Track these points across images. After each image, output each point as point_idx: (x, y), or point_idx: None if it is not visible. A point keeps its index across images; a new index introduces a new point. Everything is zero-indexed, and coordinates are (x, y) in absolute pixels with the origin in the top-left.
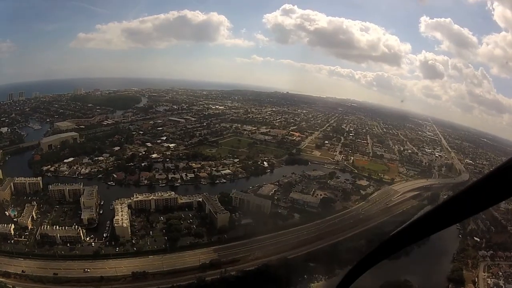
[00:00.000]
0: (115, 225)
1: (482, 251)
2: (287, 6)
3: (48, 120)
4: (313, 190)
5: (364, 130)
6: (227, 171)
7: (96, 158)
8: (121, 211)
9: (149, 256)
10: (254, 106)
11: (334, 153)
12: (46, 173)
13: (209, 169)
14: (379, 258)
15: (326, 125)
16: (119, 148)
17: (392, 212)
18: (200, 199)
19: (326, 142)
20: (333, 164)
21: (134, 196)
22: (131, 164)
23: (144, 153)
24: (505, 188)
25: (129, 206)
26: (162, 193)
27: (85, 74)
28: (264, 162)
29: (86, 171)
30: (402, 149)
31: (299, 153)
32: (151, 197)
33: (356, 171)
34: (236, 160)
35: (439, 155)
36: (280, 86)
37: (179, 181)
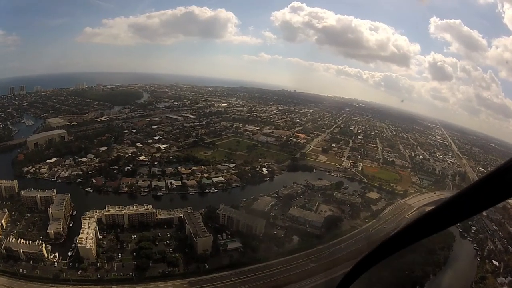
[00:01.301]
0: (79, 245)
1: (501, 278)
2: (295, 3)
3: (42, 115)
4: (317, 204)
5: (373, 133)
6: (220, 178)
7: (79, 159)
8: (88, 227)
9: (112, 286)
10: (259, 104)
11: (342, 158)
12: (26, 175)
13: (199, 175)
14: (379, 259)
15: (334, 126)
16: (106, 148)
17: None
18: (182, 215)
19: (334, 145)
20: (340, 172)
21: (106, 209)
22: (115, 167)
23: (130, 155)
24: (505, 188)
25: (100, 221)
26: (138, 207)
27: (91, 68)
28: (263, 169)
29: (66, 174)
30: (413, 154)
31: (303, 158)
32: (124, 211)
33: (365, 181)
34: (231, 165)
35: (451, 161)
36: (287, 84)
37: (163, 189)
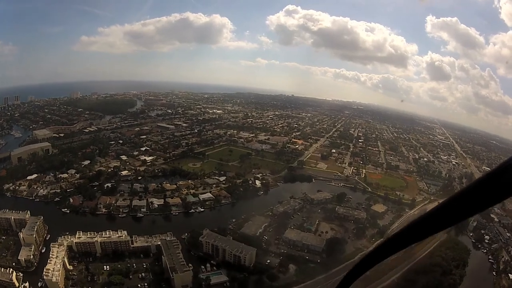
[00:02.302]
0: (45, 277)
1: None
2: (290, 7)
3: (31, 127)
4: (317, 222)
5: (373, 136)
6: (207, 195)
7: (60, 175)
8: (56, 257)
9: None
10: (255, 110)
11: (343, 165)
12: (6, 193)
13: (185, 191)
14: (380, 258)
15: (333, 130)
16: (89, 162)
17: (418, 256)
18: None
19: (333, 151)
20: (342, 180)
21: (77, 235)
22: (95, 184)
23: (112, 169)
24: (505, 188)
25: (71, 248)
26: (111, 233)
27: (88, 77)
28: (257, 181)
29: (44, 193)
30: (417, 157)
31: (301, 166)
32: (96, 239)
33: (369, 190)
34: (221, 179)
35: (456, 162)
36: (285, 89)
37: (143, 210)
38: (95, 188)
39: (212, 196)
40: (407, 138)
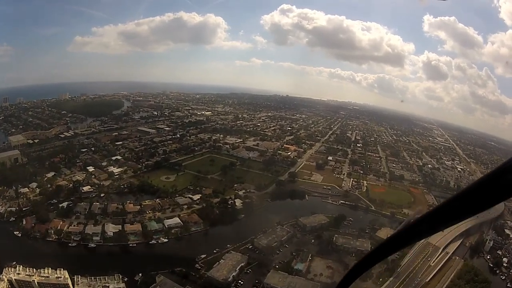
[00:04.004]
0: None
1: None
2: (285, 6)
3: (10, 131)
4: (309, 258)
5: (372, 139)
6: (175, 220)
7: (21, 190)
8: None
9: None
10: (247, 111)
11: (341, 176)
12: None
13: (149, 214)
14: (380, 258)
15: (329, 133)
16: (53, 174)
17: None
18: None
19: (330, 158)
20: (340, 196)
21: (17, 269)
22: (52, 202)
23: (73, 184)
24: (505, 188)
25: (11, 283)
26: (50, 272)
27: (82, 78)
28: (237, 201)
29: (1, 211)
30: (421, 163)
31: (293, 179)
32: (34, 277)
33: (373, 208)
34: (196, 197)
35: (461, 169)
36: (280, 89)
37: (97, 238)
38: (52, 206)
39: (180, 222)
40: (407, 141)
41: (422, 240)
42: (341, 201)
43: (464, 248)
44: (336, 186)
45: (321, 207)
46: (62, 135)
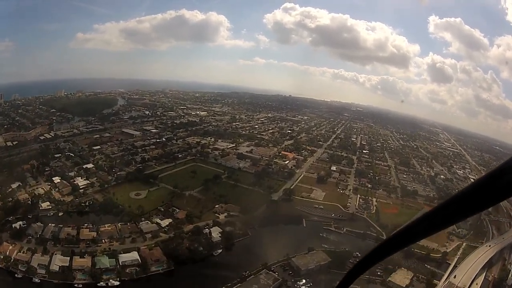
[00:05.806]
0: None
1: None
2: (288, 4)
3: None
4: None
5: (379, 144)
6: (132, 256)
7: None
8: None
9: None
10: (246, 111)
11: (346, 192)
12: None
13: (105, 243)
14: (380, 258)
15: (332, 138)
16: (18, 185)
17: None
18: None
19: (334, 168)
20: (345, 221)
21: None
22: (8, 220)
23: (32, 199)
24: (505, 188)
25: None
26: None
27: (85, 74)
28: (213, 230)
29: None
30: (432, 173)
31: (289, 197)
32: None
33: (383, 235)
34: (165, 223)
35: (474, 179)
36: (283, 89)
37: (42, 271)
38: (8, 225)
39: (137, 258)
40: (415, 146)
41: (444, 282)
42: (346, 228)
43: (488, 283)
44: (341, 206)
45: (321, 237)
46: (42, 137)
